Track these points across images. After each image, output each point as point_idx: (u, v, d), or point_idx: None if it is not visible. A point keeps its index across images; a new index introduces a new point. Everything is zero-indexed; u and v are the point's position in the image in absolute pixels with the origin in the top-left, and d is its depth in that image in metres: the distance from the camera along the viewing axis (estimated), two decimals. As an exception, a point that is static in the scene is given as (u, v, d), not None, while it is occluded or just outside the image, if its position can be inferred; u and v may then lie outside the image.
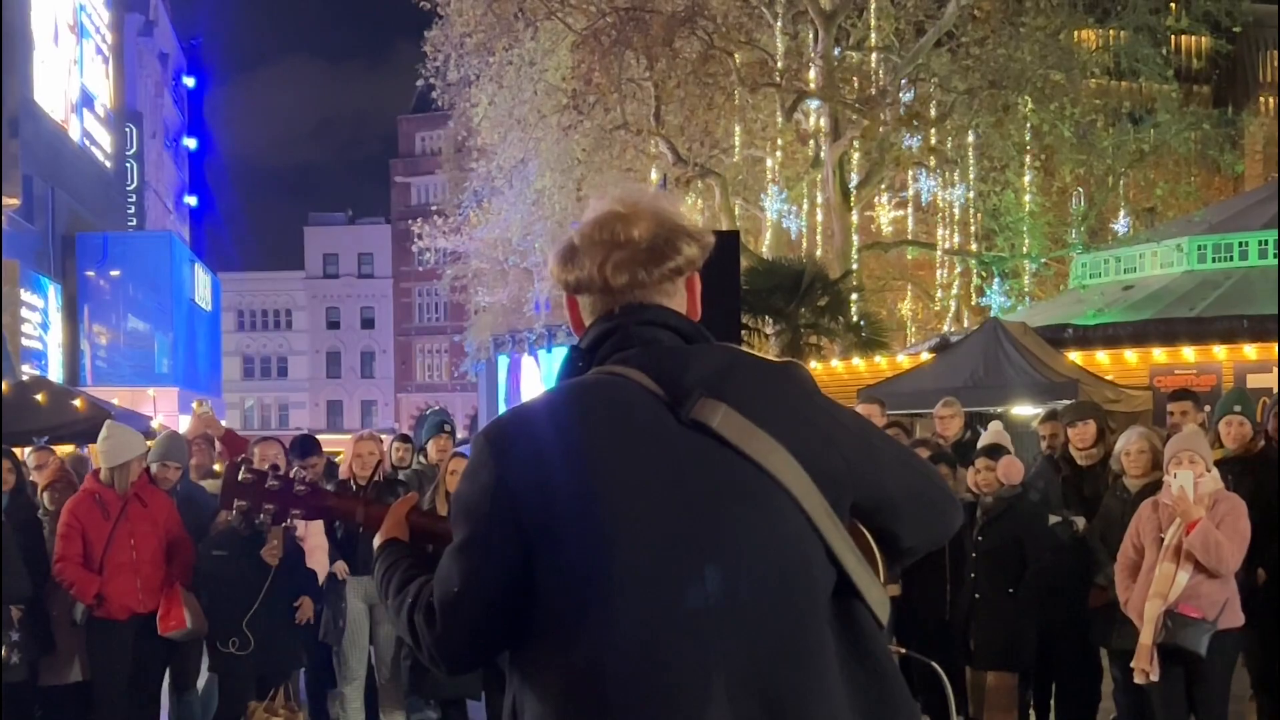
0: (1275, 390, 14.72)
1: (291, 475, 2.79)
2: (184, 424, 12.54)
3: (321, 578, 8.49)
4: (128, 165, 44.36)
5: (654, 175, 29.56)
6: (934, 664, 2.89)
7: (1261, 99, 56.98)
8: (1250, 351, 18.65)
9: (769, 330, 21.78)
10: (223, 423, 12.39)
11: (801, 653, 2.22)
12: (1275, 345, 18.43)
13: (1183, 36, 38.98)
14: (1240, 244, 24.70)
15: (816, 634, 2.24)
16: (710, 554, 2.19)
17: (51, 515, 8.29)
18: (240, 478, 2.77)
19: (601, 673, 2.15)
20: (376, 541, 2.65)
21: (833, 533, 2.27)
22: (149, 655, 8.00)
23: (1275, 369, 17.84)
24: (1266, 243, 24.32)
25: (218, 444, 10.24)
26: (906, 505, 2.40)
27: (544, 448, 2.23)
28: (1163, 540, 6.68)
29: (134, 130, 44.89)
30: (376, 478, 8.68)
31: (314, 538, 8.40)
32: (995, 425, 9.40)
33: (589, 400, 2.27)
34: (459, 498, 2.31)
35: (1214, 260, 24.82)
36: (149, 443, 8.80)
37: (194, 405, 12.22)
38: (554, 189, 31.82)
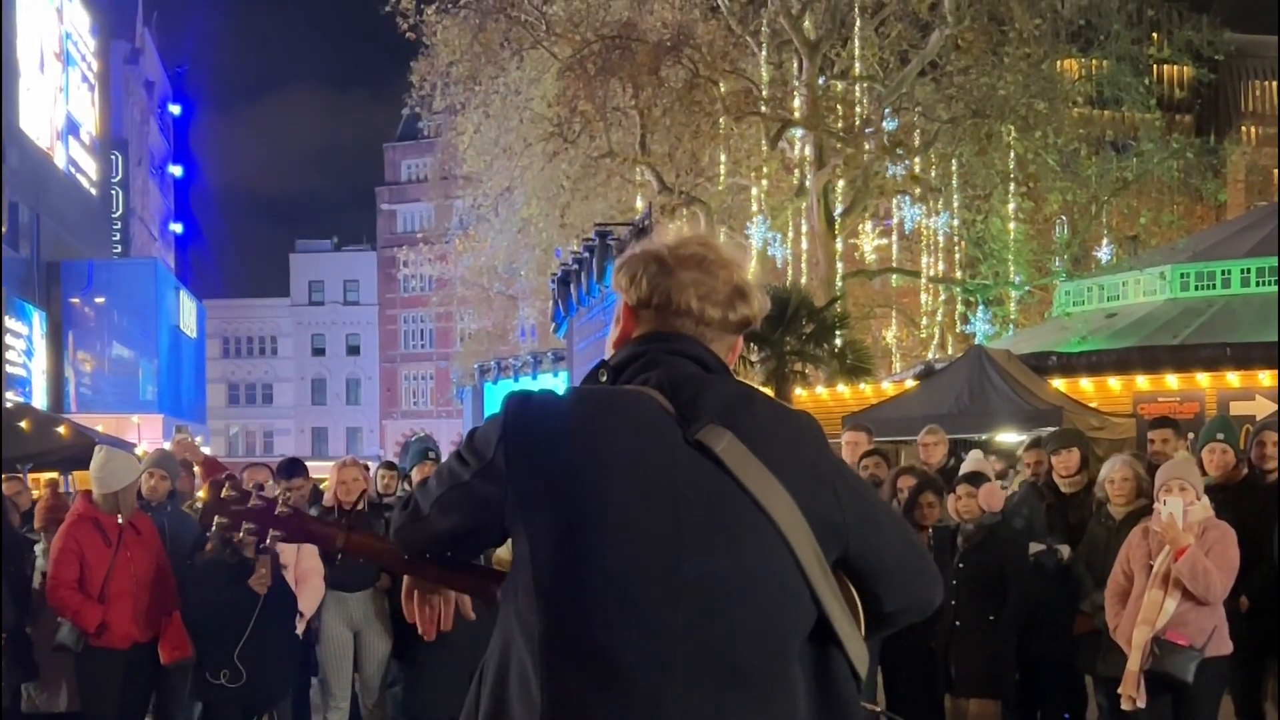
0: (1258, 418, 14.78)
1: (275, 496, 2.78)
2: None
3: (312, 608, 8.45)
4: (113, 192, 44.37)
5: (639, 203, 29.60)
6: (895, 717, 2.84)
7: (1243, 128, 57.32)
8: (1233, 379, 18.71)
9: (754, 358, 21.78)
10: (206, 450, 12.38)
11: (764, 684, 2.26)
12: (1258, 373, 18.52)
13: (1165, 66, 39.21)
14: (1223, 272, 24.82)
15: (782, 669, 2.28)
16: (686, 567, 2.23)
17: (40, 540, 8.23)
18: (223, 494, 2.74)
19: (562, 654, 2.22)
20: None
21: (818, 577, 2.31)
22: (138, 684, 7.91)
23: (1257, 396, 17.92)
24: (1249, 271, 24.43)
25: (198, 471, 10.20)
26: (896, 573, 2.45)
27: (554, 428, 2.32)
28: (1152, 567, 6.69)
29: (119, 157, 44.92)
30: (360, 505, 8.65)
31: (306, 562, 8.36)
32: (975, 453, 9.42)
33: (606, 400, 2.36)
34: (474, 434, 2.43)
35: (1197, 288, 24.93)
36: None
37: (175, 432, 12.22)
38: (540, 217, 31.86)
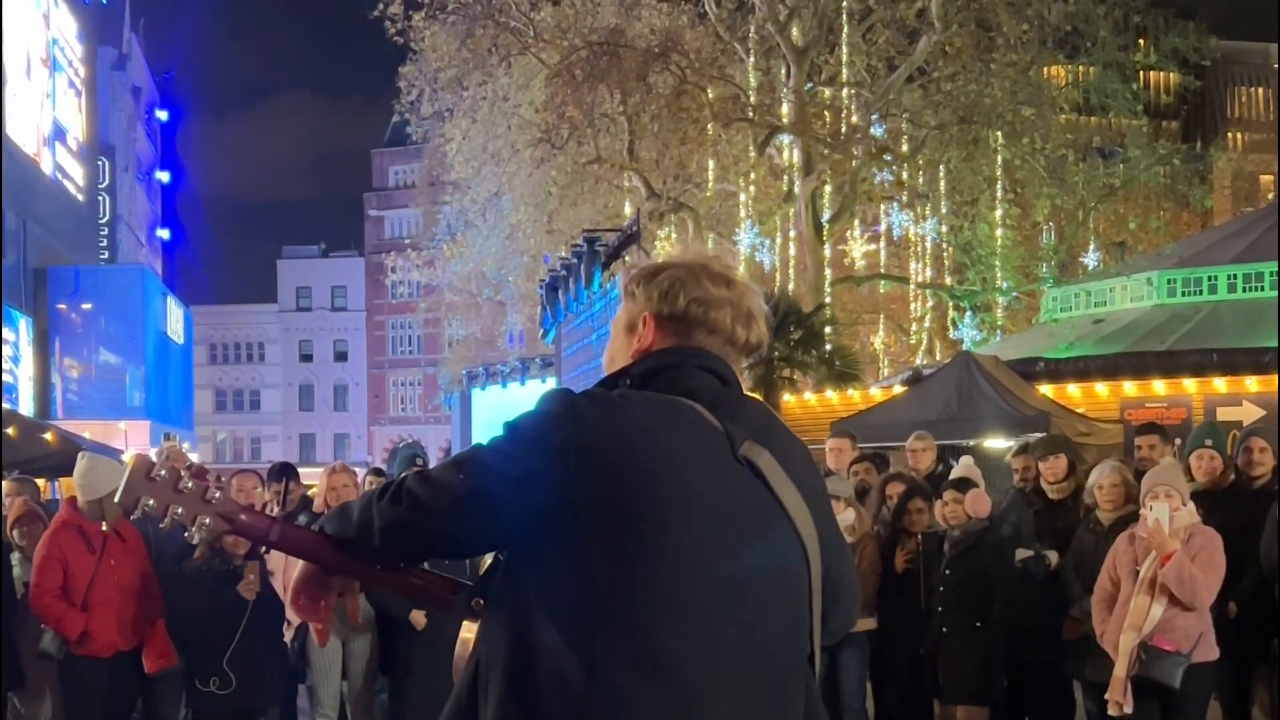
0: (1245, 423, 14.82)
1: (209, 481, 2.56)
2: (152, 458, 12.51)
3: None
4: (100, 198, 44.26)
5: (627, 209, 29.61)
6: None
7: (1229, 134, 57.53)
8: (1220, 385, 18.76)
9: (743, 364, 21.79)
10: (194, 457, 12.34)
11: (791, 696, 2.34)
12: (1245, 379, 18.57)
13: (1151, 72, 39.36)
14: (1210, 278, 24.88)
15: (801, 683, 2.36)
16: (740, 581, 2.27)
17: (21, 549, 8.18)
18: (151, 474, 2.51)
19: (615, 665, 2.19)
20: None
21: (816, 593, 2.40)
22: (122, 693, 7.86)
23: (1244, 402, 17.98)
24: (1235, 276, 24.50)
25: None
26: (846, 593, 2.53)
27: (620, 433, 2.27)
28: (1138, 573, 6.70)
29: (106, 163, 44.82)
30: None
31: (294, 569, 8.32)
32: (966, 459, 9.42)
33: (662, 409, 2.34)
34: (518, 430, 2.31)
35: (1184, 294, 24.99)
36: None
37: (163, 439, 12.19)
38: (528, 223, 31.86)
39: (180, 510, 2.51)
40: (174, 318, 45.36)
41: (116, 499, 2.54)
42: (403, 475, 2.39)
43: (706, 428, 2.33)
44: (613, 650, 2.19)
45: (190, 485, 2.52)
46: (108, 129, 45.88)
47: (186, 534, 2.55)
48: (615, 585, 2.21)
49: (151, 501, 2.50)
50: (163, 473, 2.52)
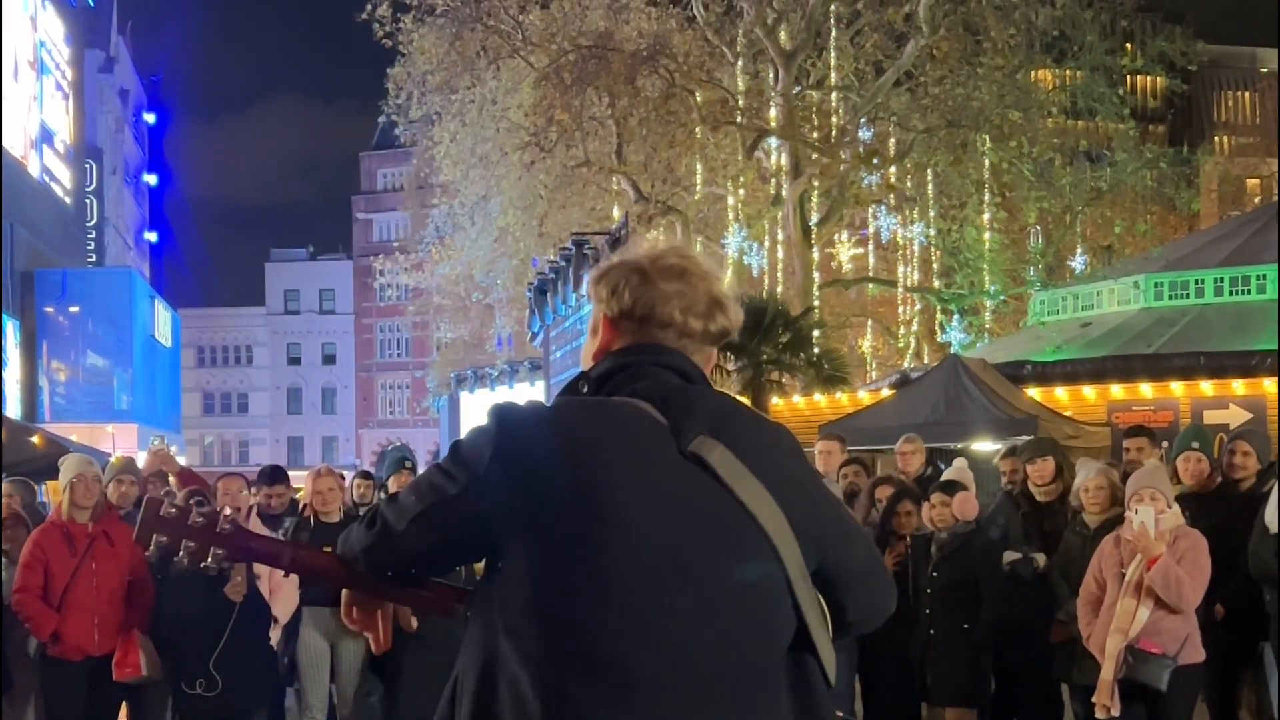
0: (1232, 426, 14.86)
1: (217, 512, 2.66)
2: (141, 461, 12.48)
3: (287, 616, 8.42)
4: (87, 201, 44.18)
5: (616, 212, 29.62)
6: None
7: (1216, 138, 57.71)
8: (1207, 388, 18.80)
9: (730, 367, 21.80)
10: (181, 459, 12.32)
11: (761, 694, 2.28)
12: (1232, 382, 18.63)
13: (1139, 76, 39.48)
14: (1196, 281, 24.94)
15: (774, 679, 2.30)
16: (688, 579, 2.23)
17: (6, 552, 8.17)
18: (162, 512, 2.61)
19: (565, 672, 2.19)
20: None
21: (803, 587, 2.33)
22: (104, 699, 7.80)
23: (1230, 405, 18.02)
24: (1222, 280, 24.57)
25: (174, 482, 10.15)
26: (862, 583, 2.49)
27: (550, 442, 2.28)
28: (1124, 576, 6.72)
29: (94, 166, 44.74)
30: (336, 515, 8.61)
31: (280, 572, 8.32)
32: (960, 462, 9.45)
33: (600, 412, 2.35)
34: (459, 446, 2.38)
35: (1171, 297, 25.05)
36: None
37: (151, 442, 12.15)
38: (516, 226, 31.86)
39: (193, 545, 2.61)
40: (161, 321, 45.27)
41: (134, 537, 2.65)
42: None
43: (648, 428, 2.30)
44: (562, 663, 2.19)
45: (200, 520, 2.61)
46: (95, 132, 45.82)
47: (203, 567, 2.65)
48: (557, 595, 2.21)
49: (164, 538, 2.61)
50: (173, 510, 2.62)
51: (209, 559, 2.63)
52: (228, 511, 2.70)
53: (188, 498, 2.52)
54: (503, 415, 2.35)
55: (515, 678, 2.22)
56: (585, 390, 2.42)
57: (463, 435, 2.44)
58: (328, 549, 2.68)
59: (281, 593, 8.34)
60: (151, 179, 58.79)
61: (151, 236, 59.19)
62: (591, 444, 2.27)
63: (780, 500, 2.31)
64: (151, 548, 2.67)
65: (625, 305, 2.44)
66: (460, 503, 2.32)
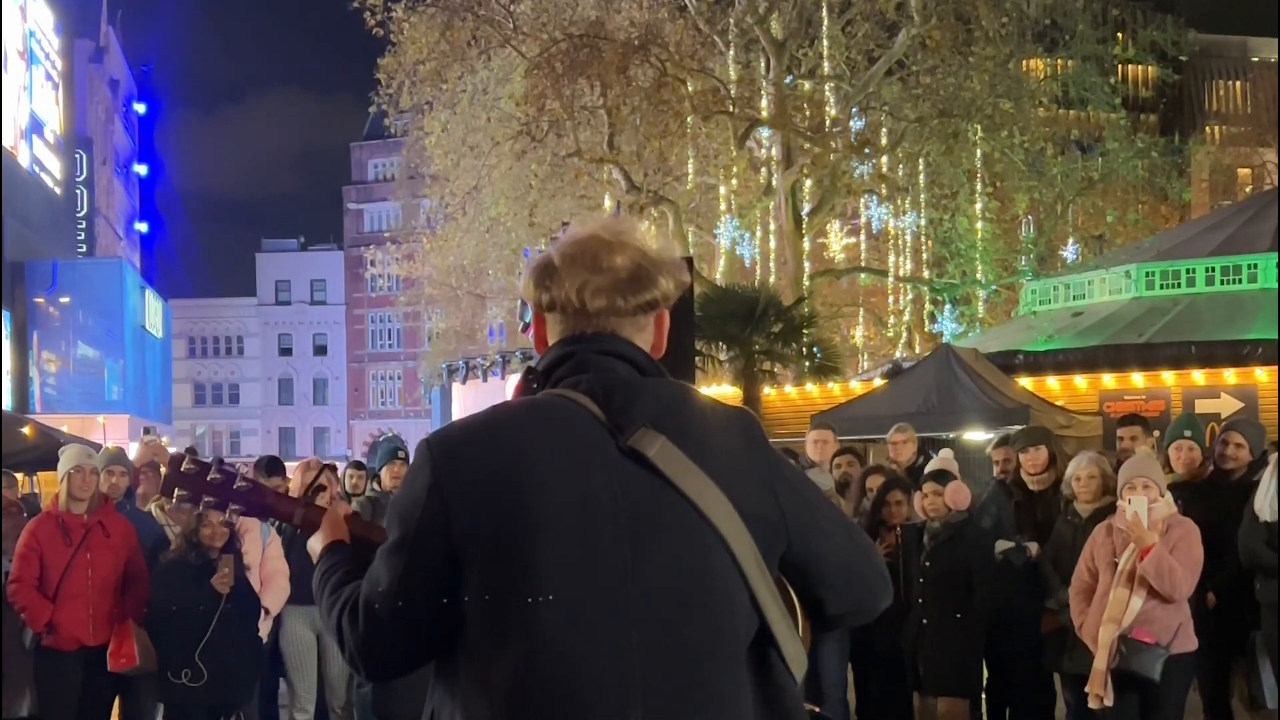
0: (1223, 415, 14.89)
1: (235, 470, 2.84)
2: (133, 452, 12.49)
3: (278, 607, 8.41)
4: (78, 191, 44.08)
5: (607, 202, 29.59)
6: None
7: (1207, 128, 57.70)
8: (1198, 377, 18.83)
9: (722, 356, 21.79)
10: (173, 450, 12.28)
11: (721, 695, 2.23)
12: (1223, 371, 18.66)
13: (1130, 66, 39.47)
14: (1188, 271, 24.95)
15: (733, 677, 2.25)
16: (633, 583, 2.20)
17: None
18: (184, 468, 2.80)
19: (521, 690, 2.17)
20: (317, 544, 2.67)
21: (759, 580, 2.28)
22: (97, 689, 7.83)
23: (1221, 394, 18.05)
24: (1214, 270, 24.58)
25: (165, 473, 10.13)
26: (838, 573, 2.41)
27: (482, 459, 2.25)
28: (1117, 565, 6.72)
29: (84, 156, 44.62)
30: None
31: (271, 563, 8.33)
32: (945, 452, 9.45)
33: (532, 418, 2.30)
34: (395, 501, 2.33)
35: (1162, 287, 25.05)
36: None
37: (142, 433, 12.15)
38: (508, 216, 31.82)
39: (211, 499, 2.81)
40: (152, 311, 45.21)
41: (159, 490, 2.88)
42: (342, 604, 2.39)
43: (582, 427, 2.26)
44: (516, 682, 2.16)
45: (219, 477, 2.80)
46: (85, 122, 45.69)
47: (223, 519, 2.89)
48: (505, 614, 2.18)
49: (185, 491, 2.79)
50: (193, 467, 2.82)
51: (227, 513, 2.86)
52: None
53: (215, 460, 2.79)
54: (430, 446, 2.31)
55: (471, 708, 2.21)
56: (534, 384, 2.39)
57: (400, 486, 2.39)
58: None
59: (272, 584, 8.34)
60: (142, 169, 58.64)
61: (142, 227, 59.06)
62: (523, 455, 2.23)
63: (729, 490, 2.26)
64: (173, 502, 2.86)
65: (542, 299, 2.41)
66: (416, 550, 2.26)
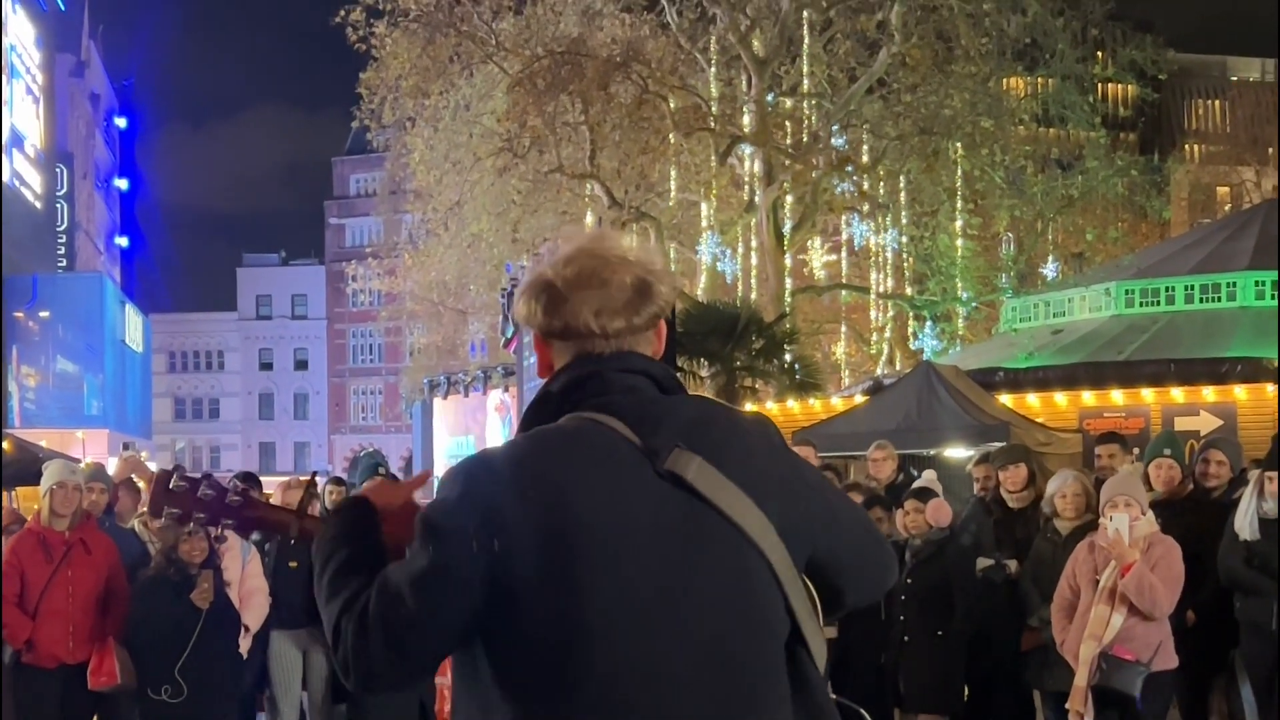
0: (1202, 433, 14.93)
1: (225, 485, 2.76)
2: (112, 467, 12.45)
3: (258, 623, 8.39)
4: (58, 206, 43.99)
5: (589, 218, 29.61)
6: (862, 710, 2.89)
7: (1186, 146, 58.04)
8: (1178, 395, 18.86)
9: (704, 373, 21.80)
10: (152, 465, 12.26)
11: (764, 704, 2.27)
12: (1202, 389, 18.72)
13: (1109, 85, 39.59)
14: (1167, 289, 25.03)
15: (776, 684, 2.29)
16: (683, 607, 2.22)
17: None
18: (172, 485, 2.69)
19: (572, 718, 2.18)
20: (363, 494, 2.54)
21: (793, 585, 2.32)
22: (76, 706, 7.78)
23: (1201, 412, 18.10)
24: (1193, 287, 24.67)
25: (144, 489, 10.10)
26: (856, 563, 2.46)
27: (530, 491, 2.22)
28: (1098, 582, 6.73)
29: (65, 171, 44.56)
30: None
31: (251, 580, 8.31)
32: (929, 473, 9.47)
33: (574, 447, 2.28)
34: (431, 525, 2.25)
35: (1141, 305, 25.13)
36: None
37: (121, 449, 12.12)
38: (490, 231, 31.81)
39: (202, 515, 2.71)
40: (133, 326, 45.11)
41: (146, 509, 2.77)
42: (345, 605, 2.28)
43: (621, 453, 2.26)
44: (570, 714, 2.17)
45: (210, 493, 2.70)
46: (66, 136, 45.62)
47: (216, 537, 2.77)
48: (556, 646, 2.18)
49: (175, 509, 2.70)
50: (182, 484, 2.70)
51: (219, 529, 2.79)
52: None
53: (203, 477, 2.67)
54: (472, 478, 2.26)
55: None
56: (551, 406, 2.35)
57: (434, 498, 2.31)
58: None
59: (252, 601, 8.32)
60: (123, 184, 58.54)
61: (123, 241, 58.94)
62: (570, 485, 2.22)
63: (763, 503, 2.29)
64: (164, 519, 2.75)
65: (544, 324, 2.39)
66: (453, 587, 2.20)
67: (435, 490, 2.35)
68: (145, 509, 9.43)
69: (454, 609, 2.21)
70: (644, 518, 2.23)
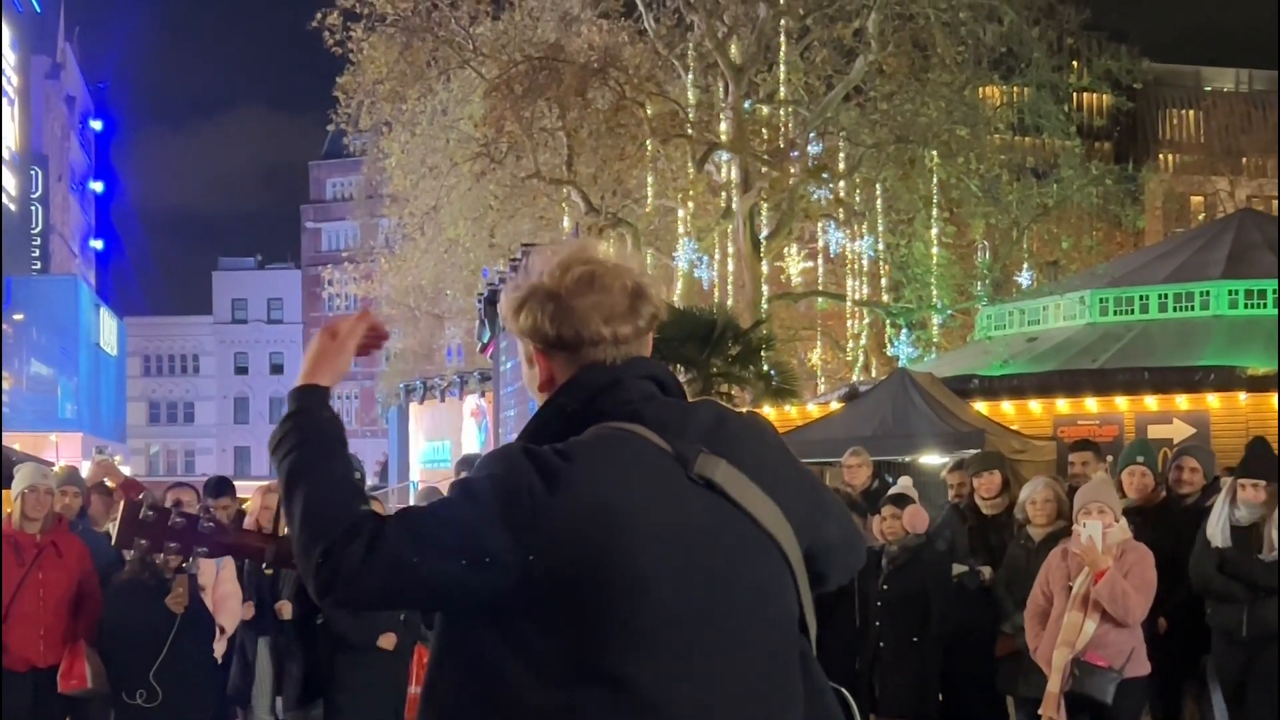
0: (1175, 441, 15.02)
1: (196, 513, 2.70)
2: (84, 471, 12.39)
3: (233, 627, 8.37)
4: (33, 208, 43.81)
5: (566, 224, 29.61)
6: (844, 691, 2.87)
7: (1161, 155, 58.32)
8: (1151, 403, 18.97)
9: (680, 378, 21.79)
10: (126, 469, 12.21)
11: (788, 696, 2.35)
12: (1176, 397, 18.83)
13: (1085, 94, 39.82)
14: (1141, 297, 25.17)
15: (797, 675, 2.37)
16: (733, 610, 2.27)
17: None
18: (141, 515, 2.61)
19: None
20: (304, 381, 2.54)
21: (802, 579, 2.40)
22: (48, 710, 7.75)
23: (1174, 420, 18.21)
24: (1166, 296, 24.81)
25: (116, 492, 10.06)
26: (842, 550, 2.55)
27: (580, 499, 2.20)
28: (1071, 589, 6.77)
29: (39, 173, 44.37)
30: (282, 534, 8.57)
31: (225, 585, 8.29)
32: (905, 480, 9.49)
33: (615, 455, 2.27)
34: (473, 492, 2.21)
35: (1116, 313, 25.26)
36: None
37: (94, 452, 12.07)
38: (466, 236, 31.78)
39: (174, 544, 2.61)
40: (107, 329, 44.92)
41: (113, 543, 2.63)
42: (370, 527, 2.21)
43: (654, 458, 2.28)
44: (599, 711, 2.18)
45: (181, 521, 2.62)
46: (41, 138, 45.42)
47: (185, 566, 2.66)
48: (590, 647, 2.18)
49: (145, 541, 2.60)
50: (151, 513, 2.61)
51: (191, 558, 2.60)
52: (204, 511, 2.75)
53: (159, 501, 2.52)
54: (522, 478, 2.21)
55: None
56: (573, 420, 2.33)
57: (480, 475, 2.26)
58: None
59: (226, 605, 8.29)
60: (98, 186, 58.30)
61: (97, 244, 58.69)
62: (613, 498, 2.22)
63: (780, 502, 2.35)
64: (133, 554, 2.62)
65: (551, 335, 2.38)
66: (480, 568, 2.17)
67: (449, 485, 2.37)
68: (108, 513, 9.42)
69: (467, 582, 2.18)
70: (683, 522, 2.26)
